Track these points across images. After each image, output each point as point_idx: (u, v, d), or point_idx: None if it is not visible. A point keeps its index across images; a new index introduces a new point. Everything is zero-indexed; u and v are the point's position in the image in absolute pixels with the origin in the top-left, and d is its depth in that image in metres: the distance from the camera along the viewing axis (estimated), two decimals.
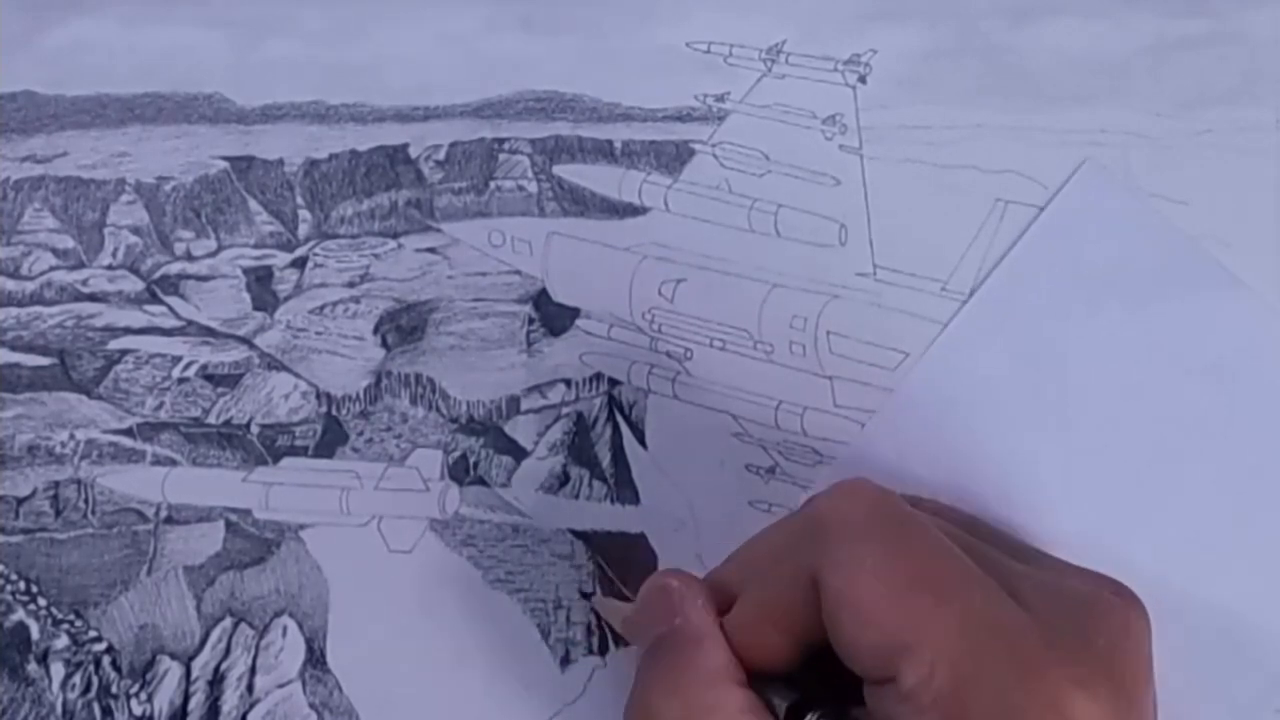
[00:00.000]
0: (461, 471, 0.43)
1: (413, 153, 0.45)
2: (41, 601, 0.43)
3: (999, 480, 0.40)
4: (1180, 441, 0.41)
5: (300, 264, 0.45)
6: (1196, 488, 0.40)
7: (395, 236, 0.45)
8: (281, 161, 0.45)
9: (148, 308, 0.45)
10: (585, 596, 0.42)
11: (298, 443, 0.44)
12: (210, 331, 0.44)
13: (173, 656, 0.43)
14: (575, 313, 0.44)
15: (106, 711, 0.43)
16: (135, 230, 0.45)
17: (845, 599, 0.32)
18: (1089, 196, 0.42)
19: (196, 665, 0.43)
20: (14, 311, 0.45)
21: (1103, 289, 0.42)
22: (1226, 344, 0.41)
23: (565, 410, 0.43)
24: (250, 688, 0.43)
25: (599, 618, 0.42)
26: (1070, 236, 0.42)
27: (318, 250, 0.45)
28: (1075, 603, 0.33)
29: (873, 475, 0.36)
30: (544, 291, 0.44)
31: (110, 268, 0.45)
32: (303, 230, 0.45)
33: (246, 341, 0.44)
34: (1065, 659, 0.31)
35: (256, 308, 0.45)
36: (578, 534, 0.43)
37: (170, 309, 0.45)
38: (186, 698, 0.43)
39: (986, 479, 0.40)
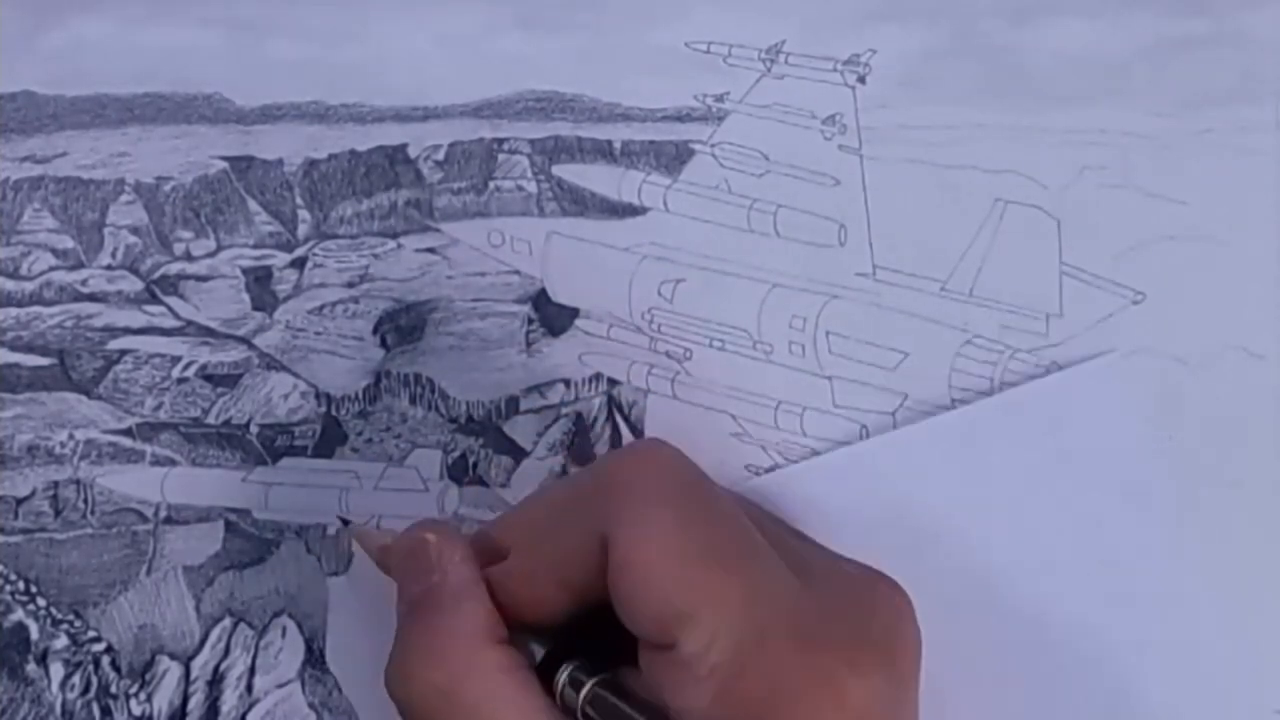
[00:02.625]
0: (461, 472, 0.43)
1: (412, 153, 0.45)
2: (41, 601, 0.43)
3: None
4: None
5: (300, 264, 0.45)
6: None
7: (395, 236, 0.45)
8: (281, 161, 0.45)
9: (147, 308, 0.45)
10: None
11: (297, 443, 0.44)
12: (210, 331, 0.44)
13: (172, 656, 0.43)
14: (575, 313, 0.44)
15: (106, 711, 0.43)
16: (135, 230, 0.45)
17: (632, 562, 0.32)
18: (1095, 384, 0.42)
19: (196, 665, 0.43)
20: (13, 311, 0.45)
21: (1053, 475, 0.41)
22: (1147, 566, 0.41)
23: (564, 410, 0.43)
24: (250, 688, 0.43)
25: None
26: (1055, 410, 0.42)
27: (317, 250, 0.45)
28: (854, 586, 0.34)
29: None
30: (543, 291, 0.44)
31: (110, 268, 0.45)
32: (302, 230, 0.45)
33: (246, 341, 0.44)
34: (843, 638, 0.32)
35: (256, 308, 0.45)
36: None
37: (169, 309, 0.45)
38: (186, 698, 0.43)
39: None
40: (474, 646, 0.34)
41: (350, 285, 0.45)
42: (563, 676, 0.34)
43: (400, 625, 0.35)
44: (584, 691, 0.33)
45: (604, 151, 0.44)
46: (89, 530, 0.43)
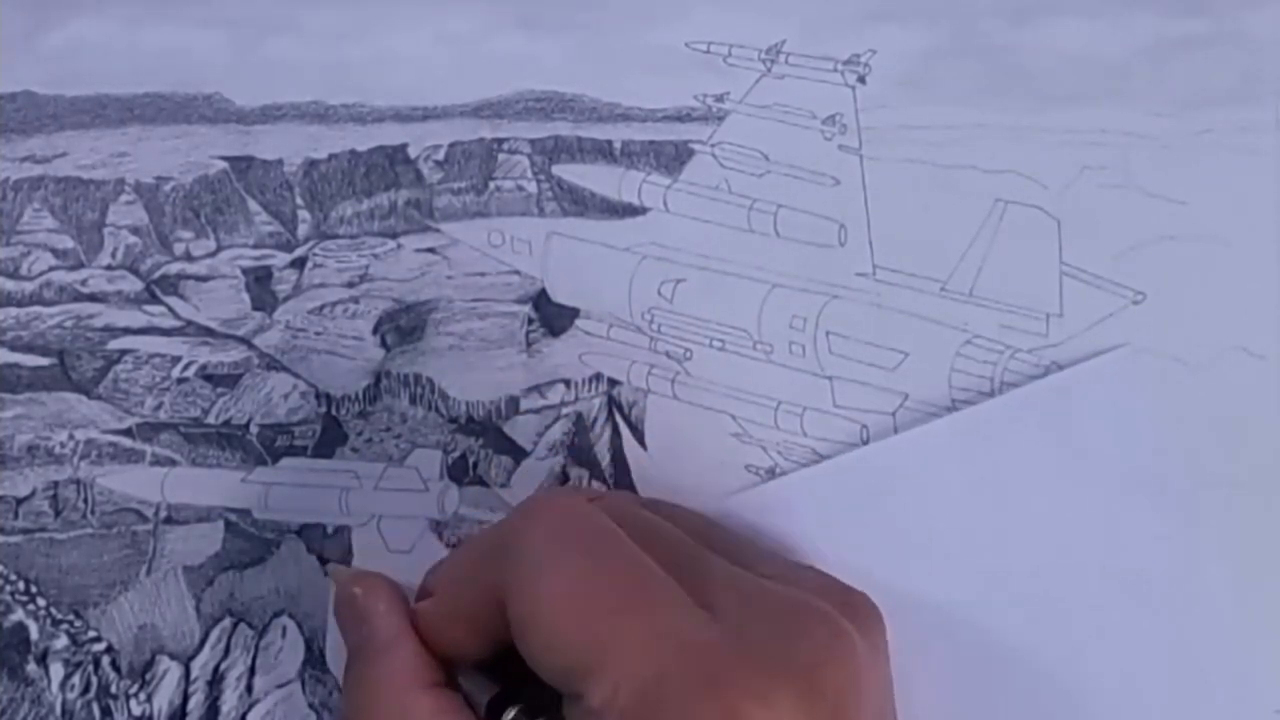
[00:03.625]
0: (461, 472, 0.43)
1: (412, 153, 0.45)
2: (41, 602, 0.43)
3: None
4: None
5: (299, 264, 0.45)
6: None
7: (395, 236, 0.45)
8: (281, 161, 0.45)
9: (147, 308, 0.45)
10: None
11: (297, 443, 0.44)
12: (209, 332, 0.44)
13: (172, 657, 0.43)
14: (575, 313, 0.44)
15: (106, 712, 0.43)
16: (135, 230, 0.45)
17: (529, 622, 0.32)
18: (1107, 379, 0.41)
19: (196, 665, 0.43)
20: (13, 311, 0.45)
21: (1068, 471, 0.41)
22: (1150, 565, 0.41)
23: (565, 410, 0.43)
24: (250, 688, 0.43)
25: None
26: (1069, 406, 0.41)
27: (317, 250, 0.45)
28: (778, 612, 0.33)
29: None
30: (543, 291, 0.44)
31: (109, 268, 0.45)
32: (302, 230, 0.45)
33: (246, 342, 0.44)
34: (751, 672, 0.31)
35: (256, 308, 0.45)
36: None
37: (169, 309, 0.45)
38: (186, 698, 0.43)
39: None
40: (404, 693, 0.34)
41: (350, 285, 0.45)
42: (508, 718, 0.34)
43: (344, 675, 0.36)
44: None
45: (604, 151, 0.44)
46: (89, 530, 0.43)
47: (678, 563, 0.34)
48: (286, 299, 0.45)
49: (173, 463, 0.44)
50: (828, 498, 0.41)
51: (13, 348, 0.44)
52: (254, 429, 0.44)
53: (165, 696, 0.43)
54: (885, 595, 0.36)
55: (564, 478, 0.43)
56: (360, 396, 0.44)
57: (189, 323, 0.45)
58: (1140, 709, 0.40)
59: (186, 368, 0.44)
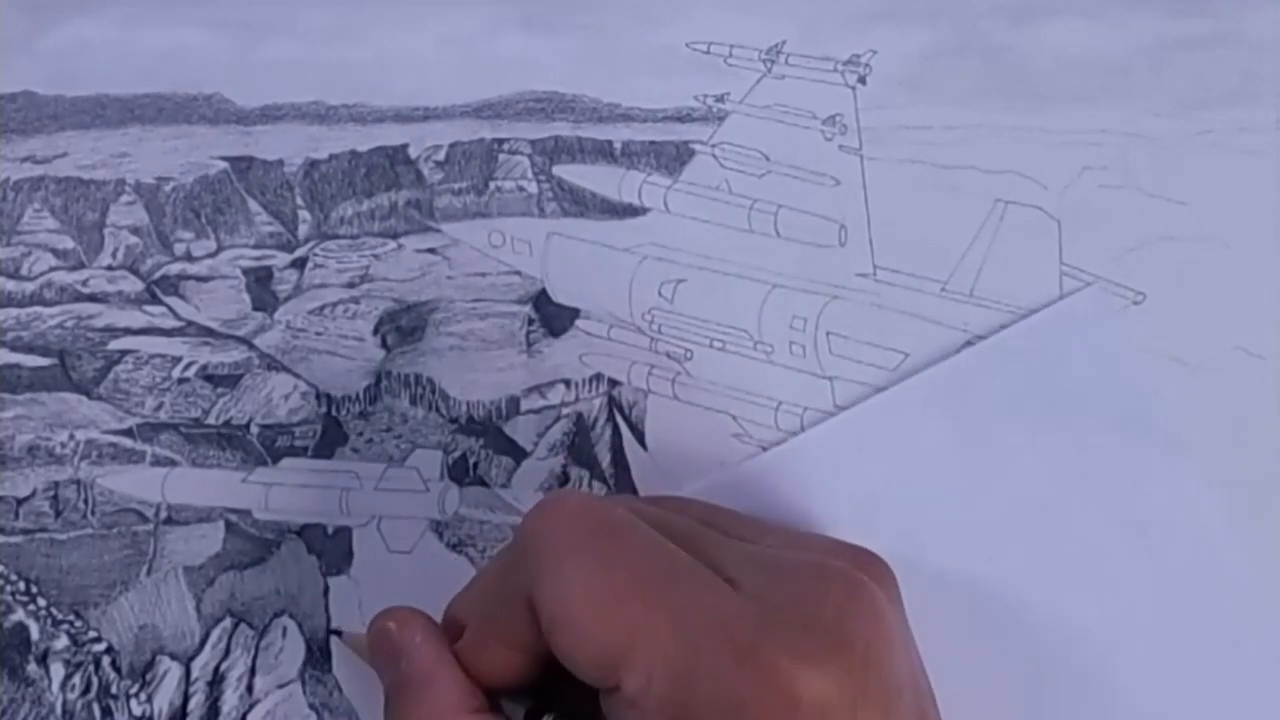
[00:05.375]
0: (461, 472, 0.43)
1: (413, 153, 0.45)
2: (41, 602, 0.43)
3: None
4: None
5: (300, 264, 0.45)
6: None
7: (395, 237, 0.45)
8: (281, 162, 0.45)
9: (147, 308, 0.45)
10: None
11: (297, 443, 0.44)
12: (210, 332, 0.44)
13: (172, 657, 0.43)
14: (575, 313, 0.44)
15: (106, 712, 0.43)
16: (135, 231, 0.45)
17: (558, 617, 0.32)
18: (1079, 319, 0.42)
19: (196, 666, 0.43)
20: (14, 312, 0.45)
21: (1051, 413, 0.41)
22: (1152, 507, 0.41)
23: (565, 411, 0.43)
24: (250, 688, 0.43)
25: None
26: (1045, 349, 0.41)
27: (317, 251, 0.45)
28: (797, 577, 0.33)
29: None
30: (544, 292, 0.44)
31: (110, 268, 0.45)
32: (302, 231, 0.45)
33: (246, 342, 0.44)
34: (784, 636, 0.31)
35: (256, 308, 0.45)
36: None
37: (170, 309, 0.45)
38: (186, 698, 0.43)
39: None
40: None
41: (351, 285, 0.45)
42: None
43: (384, 711, 0.36)
44: None
45: (604, 152, 0.44)
46: (89, 530, 0.43)
47: (692, 547, 0.34)
48: (287, 299, 0.45)
49: (173, 463, 0.44)
50: (811, 469, 0.41)
51: (13, 348, 0.44)
52: (254, 429, 0.44)
53: (166, 697, 0.43)
54: (884, 555, 0.36)
55: (564, 478, 0.43)
56: (361, 397, 0.44)
57: (189, 323, 0.45)
58: (1141, 649, 0.40)
59: (187, 368, 0.44)
